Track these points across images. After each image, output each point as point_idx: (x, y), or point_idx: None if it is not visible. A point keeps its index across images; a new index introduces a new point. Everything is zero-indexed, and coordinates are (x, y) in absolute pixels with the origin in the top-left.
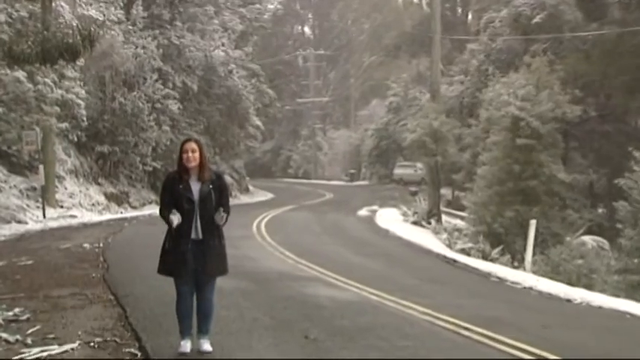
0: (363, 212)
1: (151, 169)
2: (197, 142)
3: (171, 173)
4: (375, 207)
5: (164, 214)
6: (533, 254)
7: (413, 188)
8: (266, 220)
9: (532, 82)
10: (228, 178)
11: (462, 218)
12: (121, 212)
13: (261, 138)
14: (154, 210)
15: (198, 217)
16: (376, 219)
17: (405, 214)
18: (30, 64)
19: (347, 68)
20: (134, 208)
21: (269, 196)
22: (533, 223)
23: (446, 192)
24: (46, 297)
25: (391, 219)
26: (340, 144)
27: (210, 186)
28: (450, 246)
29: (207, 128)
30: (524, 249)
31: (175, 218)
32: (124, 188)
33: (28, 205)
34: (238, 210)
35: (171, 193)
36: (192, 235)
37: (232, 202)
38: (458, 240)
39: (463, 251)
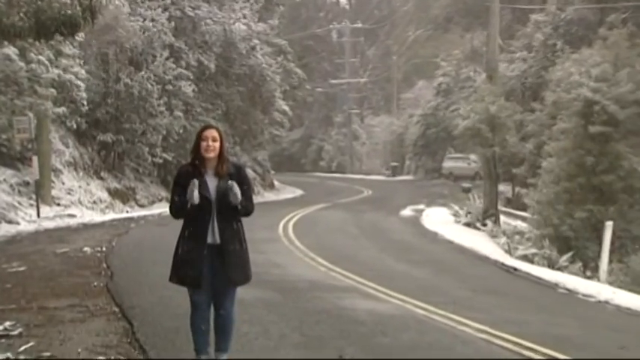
0: (407, 212)
1: (161, 161)
2: (218, 129)
3: (184, 166)
4: (421, 206)
5: (176, 212)
6: (610, 262)
7: (465, 184)
8: (294, 220)
9: (609, 59)
10: (250, 172)
11: (523, 219)
12: (127, 211)
13: (288, 125)
14: (165, 209)
15: (215, 219)
16: (422, 220)
17: (456, 215)
18: (22, 39)
19: (388, 44)
20: (142, 206)
21: (297, 192)
22: (609, 225)
23: (505, 188)
24: (41, 309)
25: (440, 220)
26: (380, 132)
27: (229, 181)
28: (509, 252)
29: (226, 114)
30: (599, 256)
31: (195, 196)
32: (130, 183)
33: (19, 203)
34: (262, 209)
35: (184, 190)
36: (209, 239)
37: (255, 199)
38: (519, 245)
39: (525, 258)
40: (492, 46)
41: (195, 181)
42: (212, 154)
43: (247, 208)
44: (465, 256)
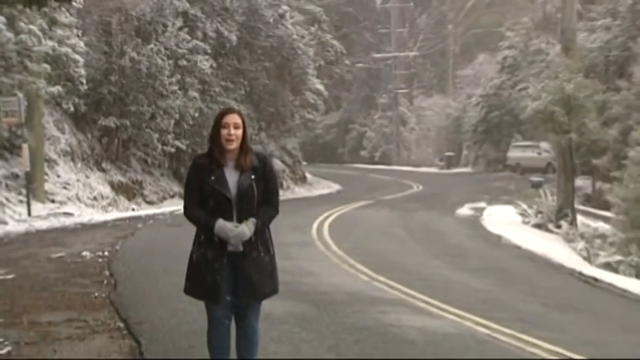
0: (465, 211)
1: (173, 150)
2: (241, 114)
3: (199, 157)
4: (481, 204)
5: (192, 213)
6: None
7: (535, 178)
8: (330, 220)
9: None
10: (277, 164)
11: (605, 220)
12: (133, 209)
13: (323, 108)
14: (178, 206)
15: (235, 219)
16: (483, 220)
17: (524, 214)
18: (10, 6)
19: (443, 11)
20: (150, 203)
21: (334, 187)
22: None
23: (583, 183)
24: (33, 324)
25: (504, 220)
26: (433, 116)
27: (253, 176)
28: (588, 259)
29: (250, 94)
30: None
31: (230, 238)
32: (136, 176)
33: (7, 199)
34: (292, 207)
35: (199, 185)
36: (229, 247)
37: (283, 195)
38: (600, 251)
39: (608, 266)
40: (569, 12)
41: (224, 225)
42: (234, 145)
43: (270, 214)
44: (534, 263)
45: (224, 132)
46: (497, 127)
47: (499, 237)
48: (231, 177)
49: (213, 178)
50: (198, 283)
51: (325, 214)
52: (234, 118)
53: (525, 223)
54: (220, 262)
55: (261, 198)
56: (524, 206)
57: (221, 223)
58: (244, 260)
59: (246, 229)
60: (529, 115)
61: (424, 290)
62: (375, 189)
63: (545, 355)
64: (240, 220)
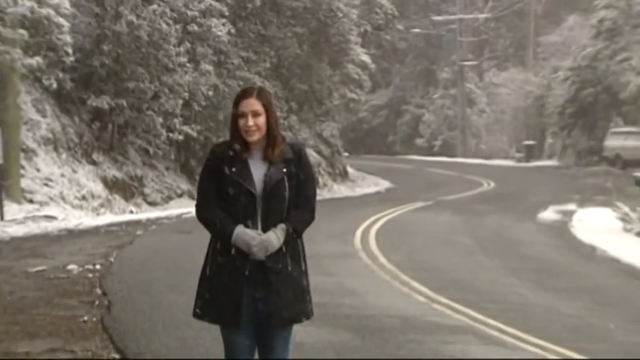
0: (549, 215)
1: (181, 137)
2: (262, 95)
3: (219, 146)
4: (570, 206)
5: (206, 214)
6: None
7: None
8: (378, 226)
9: None
10: (312, 156)
11: None
12: (131, 211)
13: (369, 85)
14: (187, 208)
15: (260, 224)
16: (572, 227)
17: (625, 219)
18: None
19: None
20: (153, 204)
21: (383, 184)
22: None
23: None
24: (7, 354)
25: (600, 227)
26: (509, 95)
27: (284, 169)
28: None
29: (277, 68)
30: None
31: (240, 231)
32: (135, 171)
33: None
34: (330, 209)
35: (217, 180)
36: (251, 256)
37: (320, 195)
38: None
39: None
40: None
41: (244, 233)
42: (255, 136)
43: (304, 219)
44: (638, 281)
45: (241, 122)
46: (590, 109)
47: (593, 248)
48: (257, 169)
49: (234, 169)
50: (213, 303)
51: (372, 219)
52: (251, 104)
53: (627, 230)
54: (239, 276)
55: (294, 198)
56: (626, 209)
57: (241, 230)
58: (270, 273)
59: (274, 237)
60: (633, 94)
61: (497, 315)
62: (434, 187)
63: None
64: (266, 224)
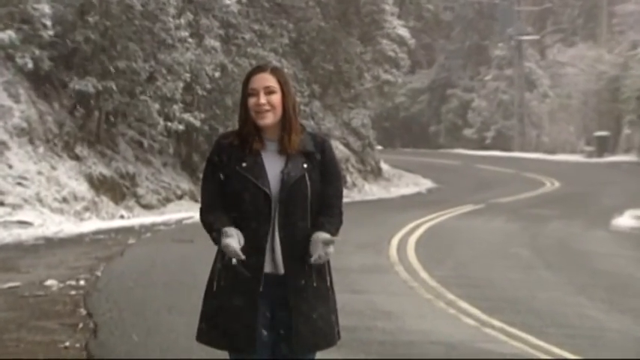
0: (627, 221)
1: (181, 127)
2: (277, 72)
3: (225, 137)
4: None
5: (207, 219)
6: None
7: None
8: (418, 234)
9: None
10: (338, 149)
11: None
12: (122, 216)
13: (407, 64)
14: (189, 212)
15: (277, 230)
16: None
17: None
18: None
19: None
20: (148, 207)
21: (424, 184)
22: None
23: None
24: None
25: None
26: (577, 76)
27: (304, 164)
28: None
29: (297, 44)
30: None
31: (233, 241)
32: (127, 167)
33: None
34: (360, 213)
35: (223, 177)
36: (267, 268)
37: (348, 196)
38: None
39: None
40: None
41: (230, 230)
42: (268, 119)
43: (333, 224)
44: None
45: (252, 101)
46: None
47: None
48: (273, 165)
49: (244, 164)
50: (220, 326)
51: (410, 225)
52: (263, 79)
53: None
54: (253, 294)
55: (316, 200)
56: None
57: (227, 239)
58: (288, 290)
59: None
60: None
61: (562, 342)
62: (486, 187)
63: None
64: (284, 231)
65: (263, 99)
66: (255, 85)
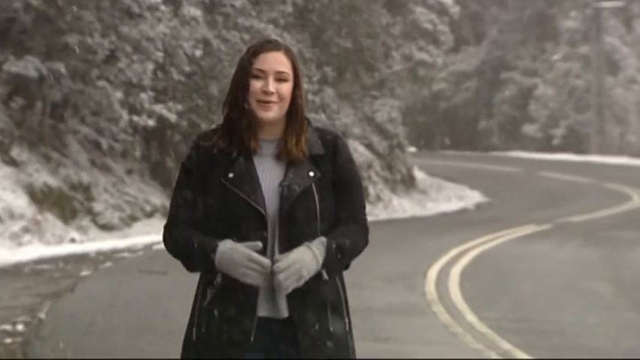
0: None
1: (152, 123)
2: (291, 54)
3: (205, 137)
4: None
5: (177, 239)
6: None
7: None
8: (463, 263)
9: None
10: (357, 151)
11: None
12: (74, 239)
13: (450, 40)
14: (158, 236)
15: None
16: None
17: None
18: None
19: None
20: (107, 228)
21: (471, 198)
22: None
23: None
24: None
25: None
26: None
27: (312, 173)
28: None
29: (304, 14)
30: None
31: (239, 245)
32: (80, 175)
33: None
34: (388, 235)
35: (203, 191)
36: (262, 310)
37: (371, 213)
38: None
39: None
40: None
41: (216, 243)
42: (273, 112)
43: (354, 239)
44: None
45: (257, 85)
46: None
47: None
48: (269, 174)
49: (231, 175)
50: None
51: (453, 252)
52: (277, 62)
53: None
54: (244, 340)
55: (329, 217)
56: None
57: (228, 247)
58: (293, 337)
59: (310, 254)
60: None
61: None
62: (552, 202)
63: None
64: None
65: (272, 86)
66: (264, 66)
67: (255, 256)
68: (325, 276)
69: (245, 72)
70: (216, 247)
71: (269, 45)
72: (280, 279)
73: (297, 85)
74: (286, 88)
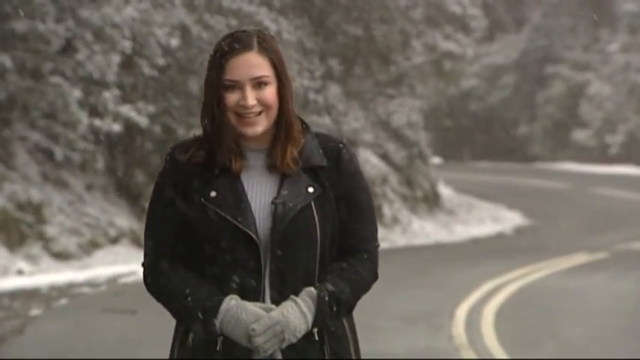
0: None
1: (118, 128)
2: (266, 44)
3: (182, 148)
4: None
5: (164, 281)
6: None
7: None
8: (498, 300)
9: None
10: (369, 163)
11: None
12: (21, 271)
13: (481, 28)
14: (131, 265)
15: (268, 295)
16: None
17: None
18: None
19: None
20: (63, 257)
21: (509, 219)
22: None
23: None
24: None
25: None
26: None
27: (310, 188)
28: None
29: None
30: None
31: (249, 304)
32: (28, 192)
33: None
34: (407, 266)
35: (182, 214)
36: (256, 353)
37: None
38: None
39: None
40: None
41: (243, 308)
42: (260, 126)
43: (358, 278)
44: None
45: (232, 99)
46: None
47: None
48: (259, 190)
49: (214, 194)
50: None
51: (487, 287)
52: (250, 67)
53: None
54: None
55: (331, 242)
56: None
57: (234, 304)
58: None
59: (294, 312)
60: None
61: None
62: (610, 225)
63: None
64: (281, 293)
65: (252, 98)
66: (236, 76)
67: (259, 328)
68: (316, 337)
69: (215, 84)
70: (217, 306)
71: (237, 46)
72: (258, 342)
73: (281, 83)
74: (269, 92)
